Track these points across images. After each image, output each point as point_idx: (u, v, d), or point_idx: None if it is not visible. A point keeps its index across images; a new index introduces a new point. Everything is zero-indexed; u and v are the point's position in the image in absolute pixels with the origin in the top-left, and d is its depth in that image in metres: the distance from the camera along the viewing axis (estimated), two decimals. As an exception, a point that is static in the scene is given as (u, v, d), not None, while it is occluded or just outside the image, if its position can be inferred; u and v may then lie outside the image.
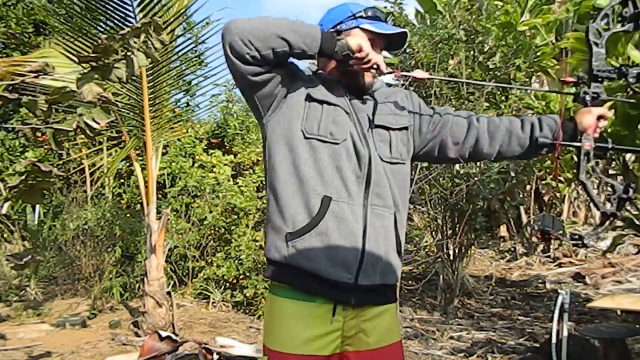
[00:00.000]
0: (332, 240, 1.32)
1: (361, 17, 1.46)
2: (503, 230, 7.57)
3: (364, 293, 1.36)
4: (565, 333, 2.84)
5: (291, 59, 1.42)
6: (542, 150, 1.49)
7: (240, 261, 4.92)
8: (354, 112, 1.44)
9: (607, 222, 1.33)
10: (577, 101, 1.42)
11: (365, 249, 1.34)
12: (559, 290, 2.92)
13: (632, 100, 2.61)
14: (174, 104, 6.38)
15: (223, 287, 5.15)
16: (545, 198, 7.13)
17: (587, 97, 1.39)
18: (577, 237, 1.30)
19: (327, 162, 1.36)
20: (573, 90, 1.44)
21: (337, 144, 1.37)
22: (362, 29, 1.45)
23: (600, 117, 1.42)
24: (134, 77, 4.06)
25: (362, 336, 1.37)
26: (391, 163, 1.43)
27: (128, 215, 6.09)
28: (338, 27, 1.47)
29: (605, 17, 1.39)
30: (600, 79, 1.38)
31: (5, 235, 6.59)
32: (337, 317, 1.35)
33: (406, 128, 1.49)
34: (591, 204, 6.88)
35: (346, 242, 1.33)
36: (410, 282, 5.52)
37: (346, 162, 1.37)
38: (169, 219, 4.50)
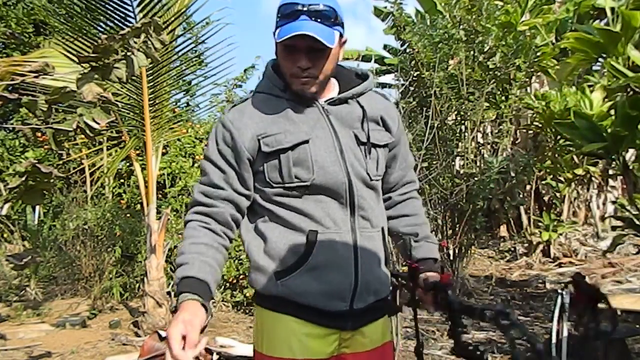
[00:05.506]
0: (324, 274, 1.28)
1: (278, 19, 1.28)
2: (503, 230, 7.57)
3: (359, 316, 1.35)
4: (565, 333, 2.84)
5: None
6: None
7: (240, 261, 4.92)
8: (332, 127, 1.34)
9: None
10: None
11: (358, 276, 1.30)
12: (559, 290, 2.91)
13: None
14: (174, 104, 6.37)
15: (223, 287, 5.15)
16: (545, 198, 7.12)
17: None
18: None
19: (304, 200, 1.30)
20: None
21: (307, 185, 1.29)
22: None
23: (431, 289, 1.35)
24: (134, 77, 4.05)
25: (359, 338, 1.37)
26: (371, 180, 1.36)
27: (128, 215, 6.09)
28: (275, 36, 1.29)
29: None
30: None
31: (5, 235, 6.59)
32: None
33: (387, 145, 1.41)
34: (591, 204, 6.89)
35: (339, 274, 1.29)
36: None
37: (324, 194, 1.31)
38: (169, 219, 4.50)
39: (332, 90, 1.39)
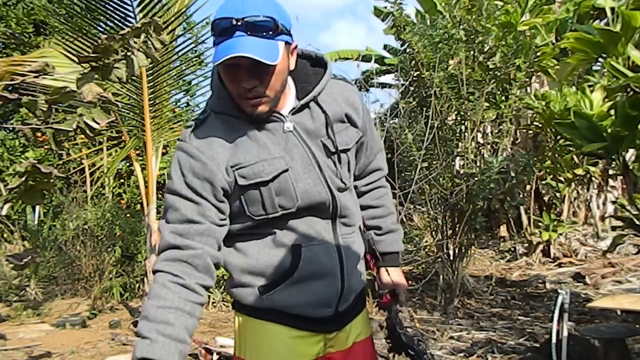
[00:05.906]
0: (310, 285, 1.27)
1: (214, 37, 1.16)
2: (503, 230, 7.57)
3: (343, 317, 1.36)
4: (565, 333, 2.84)
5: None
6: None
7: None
8: (304, 143, 1.26)
9: None
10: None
11: (344, 282, 1.30)
12: (559, 290, 2.92)
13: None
14: (174, 104, 6.38)
15: (223, 287, 5.15)
16: (545, 198, 7.13)
17: None
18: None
19: (288, 223, 1.26)
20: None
21: (292, 211, 1.24)
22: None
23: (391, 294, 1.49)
24: (134, 77, 4.06)
25: (342, 336, 1.38)
26: (346, 185, 1.32)
27: (128, 215, 6.10)
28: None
29: None
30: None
31: (5, 235, 6.60)
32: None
33: (356, 142, 1.35)
34: (591, 204, 6.89)
35: (325, 283, 1.28)
36: (410, 282, 5.51)
37: (309, 213, 1.27)
38: (169, 219, 4.51)
39: (290, 94, 1.28)
